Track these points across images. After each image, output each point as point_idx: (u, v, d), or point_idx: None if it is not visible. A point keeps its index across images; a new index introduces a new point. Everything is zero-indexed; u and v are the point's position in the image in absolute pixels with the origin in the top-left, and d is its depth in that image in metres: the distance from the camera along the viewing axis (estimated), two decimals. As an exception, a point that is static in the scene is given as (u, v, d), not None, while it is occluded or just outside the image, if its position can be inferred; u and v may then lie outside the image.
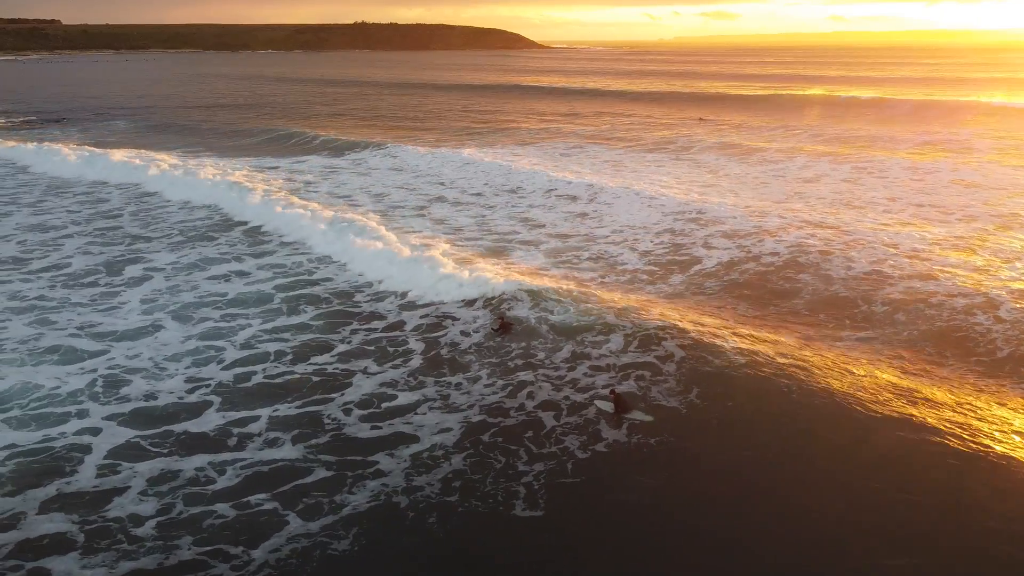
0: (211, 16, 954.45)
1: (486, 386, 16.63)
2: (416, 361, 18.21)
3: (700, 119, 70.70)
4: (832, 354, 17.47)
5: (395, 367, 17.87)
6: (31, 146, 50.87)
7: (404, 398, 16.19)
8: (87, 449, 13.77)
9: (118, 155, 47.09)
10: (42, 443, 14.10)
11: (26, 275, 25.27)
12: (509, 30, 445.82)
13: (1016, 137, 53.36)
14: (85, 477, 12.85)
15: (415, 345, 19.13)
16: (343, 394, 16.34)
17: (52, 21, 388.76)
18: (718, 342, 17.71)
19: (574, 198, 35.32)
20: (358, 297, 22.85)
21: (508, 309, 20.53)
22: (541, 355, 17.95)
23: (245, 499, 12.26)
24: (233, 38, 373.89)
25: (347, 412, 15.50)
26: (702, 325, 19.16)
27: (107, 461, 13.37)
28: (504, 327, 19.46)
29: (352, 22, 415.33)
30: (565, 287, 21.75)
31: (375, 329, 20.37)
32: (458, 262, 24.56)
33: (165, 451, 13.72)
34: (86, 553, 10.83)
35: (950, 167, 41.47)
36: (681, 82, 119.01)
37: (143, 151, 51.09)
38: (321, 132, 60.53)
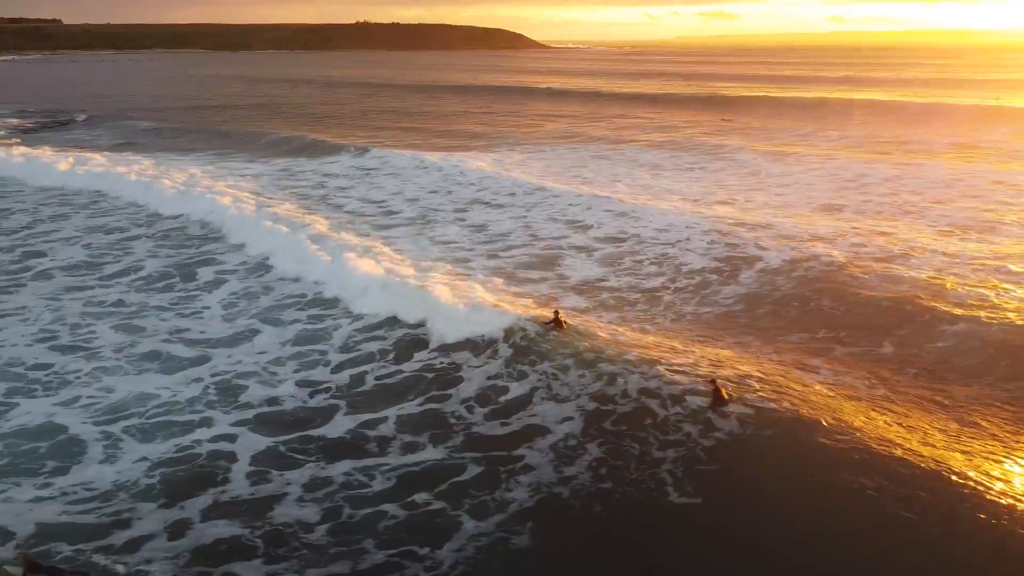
0: (210, 16, 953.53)
1: (579, 376, 16.58)
2: (505, 351, 18.25)
3: (723, 119, 70.94)
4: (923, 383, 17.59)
5: (491, 357, 18.00)
6: (69, 161, 49.56)
7: (515, 390, 16.36)
8: (231, 457, 13.86)
9: (141, 166, 47.01)
10: (179, 453, 14.15)
11: (101, 280, 25.38)
12: (510, 30, 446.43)
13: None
14: (238, 485, 12.95)
15: (495, 333, 19.00)
16: (458, 389, 16.55)
17: (53, 21, 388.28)
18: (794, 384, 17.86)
19: (616, 199, 35.22)
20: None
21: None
22: (611, 351, 17.54)
23: (410, 499, 12.41)
24: (235, 38, 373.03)
25: (470, 409, 15.69)
26: (773, 358, 19.31)
27: (254, 468, 13.48)
28: (557, 322, 19.04)
29: (354, 22, 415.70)
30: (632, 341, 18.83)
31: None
32: (508, 280, 23.87)
33: (310, 457, 13.84)
34: (270, 560, 10.94)
35: (991, 170, 41.65)
36: (695, 84, 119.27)
37: (170, 155, 51.29)
38: (343, 134, 60.54)
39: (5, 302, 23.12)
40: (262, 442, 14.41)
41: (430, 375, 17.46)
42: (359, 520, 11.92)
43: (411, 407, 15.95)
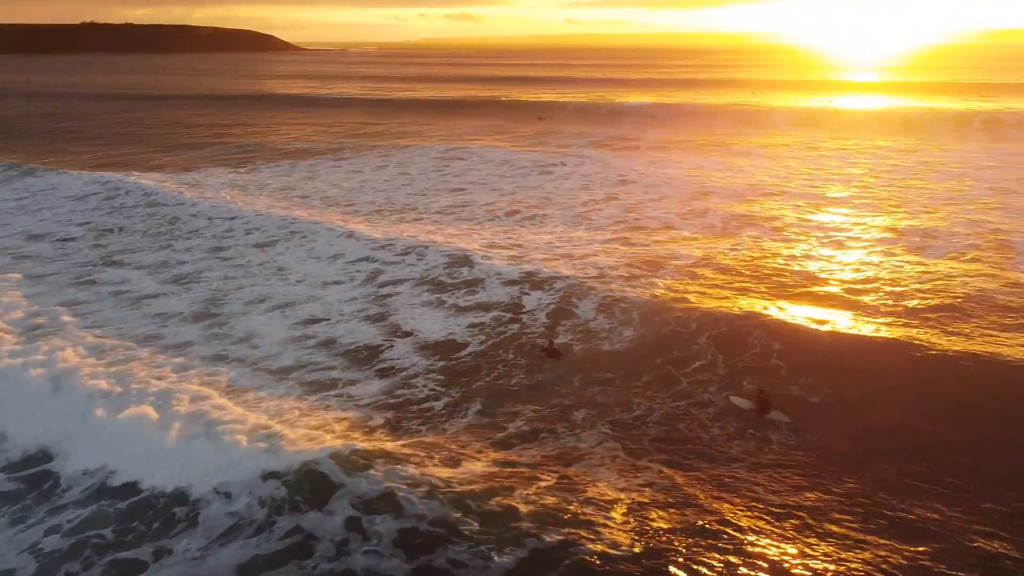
0: None
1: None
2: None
3: (539, 119, 74.88)
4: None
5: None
6: None
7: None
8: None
9: None
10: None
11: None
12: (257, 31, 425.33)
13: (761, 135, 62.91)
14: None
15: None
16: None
17: None
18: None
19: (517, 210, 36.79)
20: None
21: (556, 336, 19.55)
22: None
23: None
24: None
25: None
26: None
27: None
28: (552, 352, 18.18)
29: (80, 22, 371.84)
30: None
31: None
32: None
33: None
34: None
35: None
36: (481, 87, 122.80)
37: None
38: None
39: None
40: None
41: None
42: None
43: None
